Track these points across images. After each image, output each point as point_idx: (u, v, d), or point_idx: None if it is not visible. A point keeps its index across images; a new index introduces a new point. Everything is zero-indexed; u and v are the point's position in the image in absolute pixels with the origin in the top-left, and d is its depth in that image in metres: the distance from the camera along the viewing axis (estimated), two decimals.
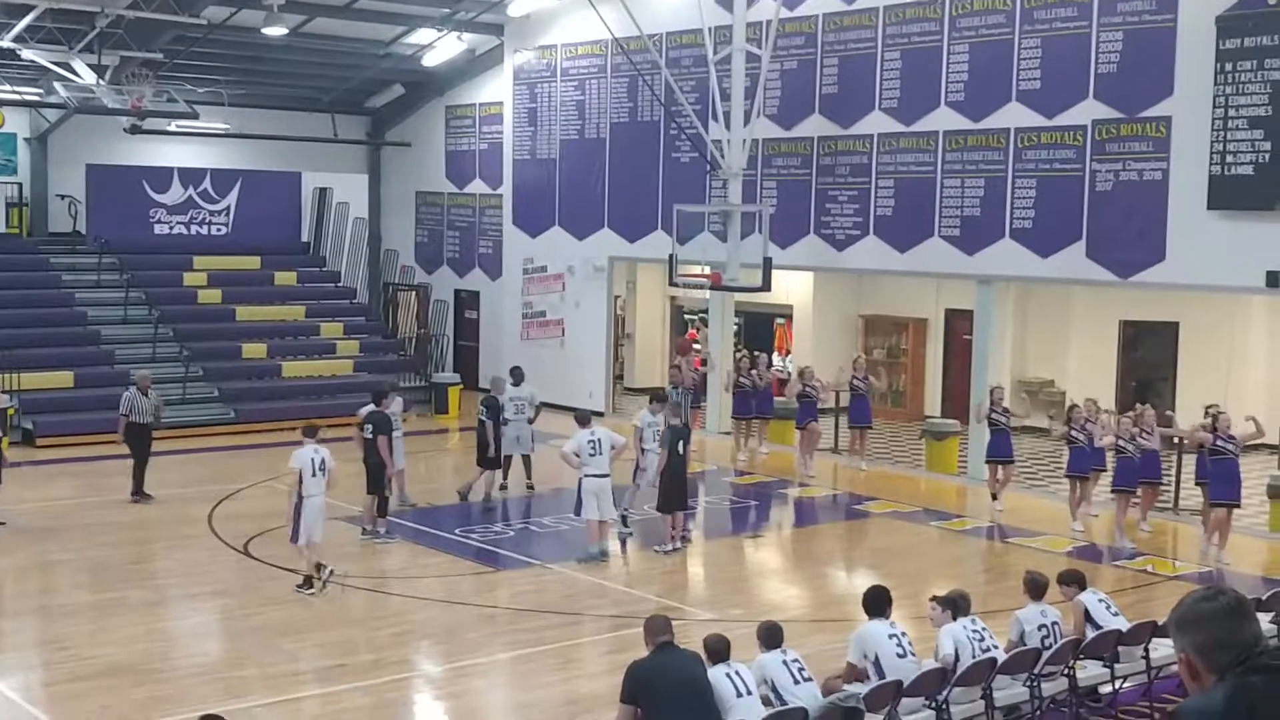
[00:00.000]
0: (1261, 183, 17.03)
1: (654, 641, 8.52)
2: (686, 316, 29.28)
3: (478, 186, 29.09)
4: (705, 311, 25.95)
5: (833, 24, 22.03)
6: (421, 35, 26.93)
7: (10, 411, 20.40)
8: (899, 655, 9.31)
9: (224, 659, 12.15)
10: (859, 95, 21.66)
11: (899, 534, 17.40)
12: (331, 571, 13.70)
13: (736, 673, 8.60)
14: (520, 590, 14.37)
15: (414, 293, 29.76)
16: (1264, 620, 10.22)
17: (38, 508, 17.50)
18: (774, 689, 8.74)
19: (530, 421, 18.77)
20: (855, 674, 9.41)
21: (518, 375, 19.01)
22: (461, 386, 26.67)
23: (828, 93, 22.18)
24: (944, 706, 9.33)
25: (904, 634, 9.53)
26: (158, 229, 27.96)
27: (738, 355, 23.44)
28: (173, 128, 27.24)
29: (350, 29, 26.43)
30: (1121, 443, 16.58)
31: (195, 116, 26.57)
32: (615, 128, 25.61)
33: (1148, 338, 23.26)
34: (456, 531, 16.83)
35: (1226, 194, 17.38)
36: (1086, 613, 10.56)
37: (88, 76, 23.94)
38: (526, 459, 18.95)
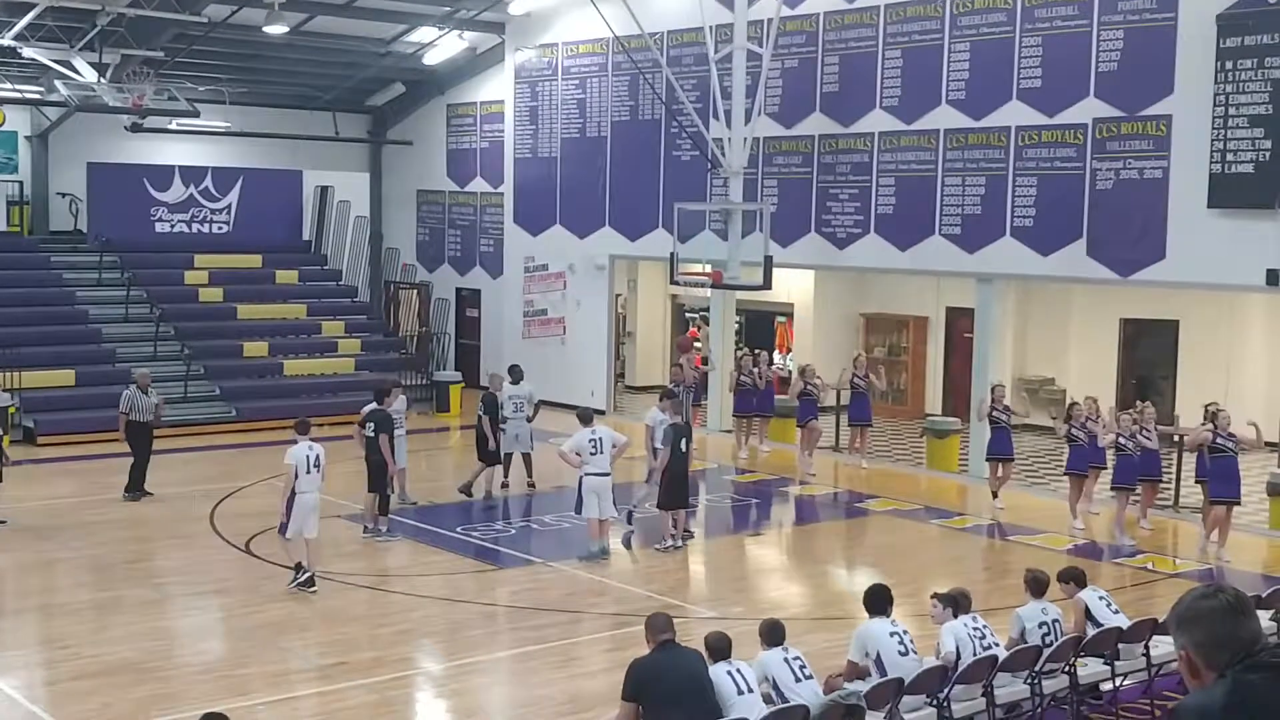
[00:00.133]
0: (1262, 181, 17.04)
1: (655, 639, 8.52)
2: (687, 315, 29.28)
3: (479, 185, 29.10)
4: (706, 310, 25.94)
5: (834, 22, 22.04)
6: (422, 33, 26.93)
7: (11, 410, 20.40)
8: (900, 653, 9.32)
9: (225, 657, 12.16)
10: (860, 93, 21.67)
11: (900, 532, 17.42)
12: (311, 577, 13.58)
13: (738, 670, 8.60)
14: (521, 588, 14.37)
15: (415, 291, 29.77)
16: (1264, 618, 10.23)
17: (39, 506, 17.50)
18: (775, 687, 8.75)
19: (529, 420, 18.81)
20: (856, 672, 9.42)
21: (516, 373, 19.03)
22: (463, 385, 26.68)
23: (829, 91, 22.18)
24: (945, 704, 9.34)
25: (905, 632, 9.54)
26: (159, 227, 27.97)
27: (739, 354, 23.45)
28: (174, 126, 27.24)
29: (351, 27, 26.43)
30: (1122, 440, 16.59)
31: (196, 115, 26.55)
32: (616, 126, 25.61)
33: (1148, 336, 23.28)
34: (458, 530, 16.85)
35: (1227, 192, 17.38)
36: (1087, 610, 10.57)
37: (89, 74, 23.93)
38: (527, 457, 18.98)
